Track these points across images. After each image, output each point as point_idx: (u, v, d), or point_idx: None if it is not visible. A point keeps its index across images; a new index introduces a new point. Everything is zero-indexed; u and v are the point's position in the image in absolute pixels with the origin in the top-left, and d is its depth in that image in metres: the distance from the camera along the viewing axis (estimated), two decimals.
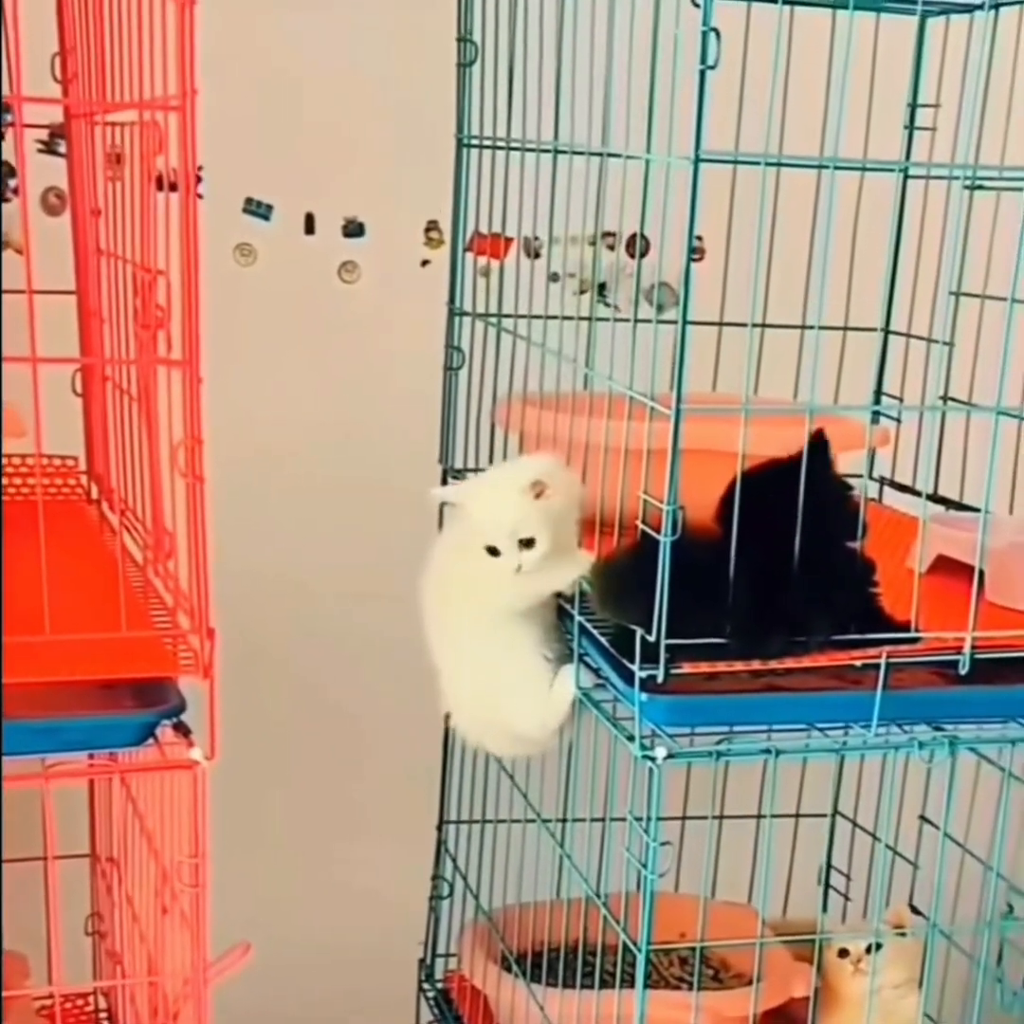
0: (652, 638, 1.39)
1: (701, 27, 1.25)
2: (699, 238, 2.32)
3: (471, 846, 2.11)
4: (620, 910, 1.60)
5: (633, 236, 2.28)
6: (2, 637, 1.30)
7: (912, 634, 1.45)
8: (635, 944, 1.51)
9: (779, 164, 1.63)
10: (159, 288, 1.40)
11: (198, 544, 1.39)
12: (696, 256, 2.31)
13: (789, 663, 1.45)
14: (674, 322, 1.38)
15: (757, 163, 1.36)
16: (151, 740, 1.43)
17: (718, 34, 1.25)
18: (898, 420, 1.96)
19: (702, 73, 1.26)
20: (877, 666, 1.45)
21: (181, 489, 1.41)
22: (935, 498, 1.98)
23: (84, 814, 2.12)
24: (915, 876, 2.03)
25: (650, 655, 1.41)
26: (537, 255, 2.01)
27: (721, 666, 1.43)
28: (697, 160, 1.29)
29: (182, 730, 1.43)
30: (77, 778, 1.46)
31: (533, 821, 1.91)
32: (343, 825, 2.50)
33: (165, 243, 1.42)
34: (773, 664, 1.44)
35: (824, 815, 2.26)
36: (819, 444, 1.45)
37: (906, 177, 2.00)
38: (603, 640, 1.52)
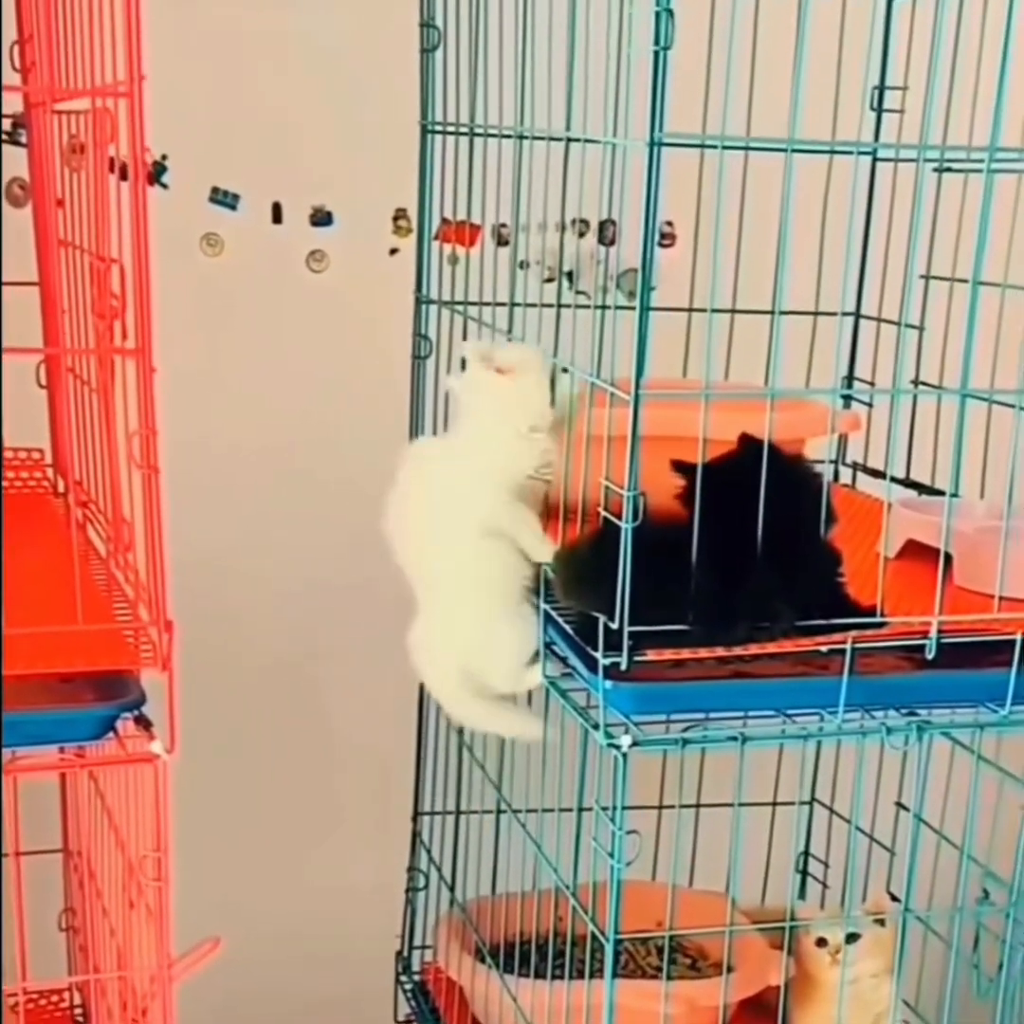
0: (615, 625, 1.38)
1: (655, 7, 1.24)
2: (670, 224, 2.32)
3: (446, 838, 2.11)
4: (595, 899, 1.59)
5: (603, 223, 2.27)
6: None
7: (877, 619, 1.44)
8: (603, 933, 1.50)
9: (745, 147, 1.63)
10: (113, 277, 1.38)
11: (154, 536, 1.37)
12: (666, 242, 2.33)
13: (754, 649, 1.44)
14: (644, 309, 1.36)
15: (715, 146, 1.35)
16: (111, 734, 1.42)
17: (672, 14, 1.24)
18: (869, 404, 1.96)
19: (657, 54, 1.24)
20: (843, 651, 1.45)
21: (139, 480, 1.40)
22: (907, 483, 1.98)
23: (56, 809, 2.12)
24: (892, 862, 2.03)
25: (614, 642, 1.40)
26: (505, 242, 2.00)
27: (685, 653, 1.42)
28: (653, 144, 1.27)
29: (143, 723, 1.42)
30: (37, 772, 1.44)
31: (505, 812, 1.90)
32: (318, 817, 2.50)
33: (124, 232, 1.40)
34: (737, 650, 1.43)
35: (802, 803, 2.25)
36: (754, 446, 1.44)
37: (875, 160, 2.00)
38: (568, 628, 1.51)
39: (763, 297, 1.83)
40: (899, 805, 2.01)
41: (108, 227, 1.43)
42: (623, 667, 1.40)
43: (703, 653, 1.43)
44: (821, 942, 1.86)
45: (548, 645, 1.58)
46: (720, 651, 1.43)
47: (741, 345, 1.94)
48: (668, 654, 1.41)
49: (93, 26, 1.40)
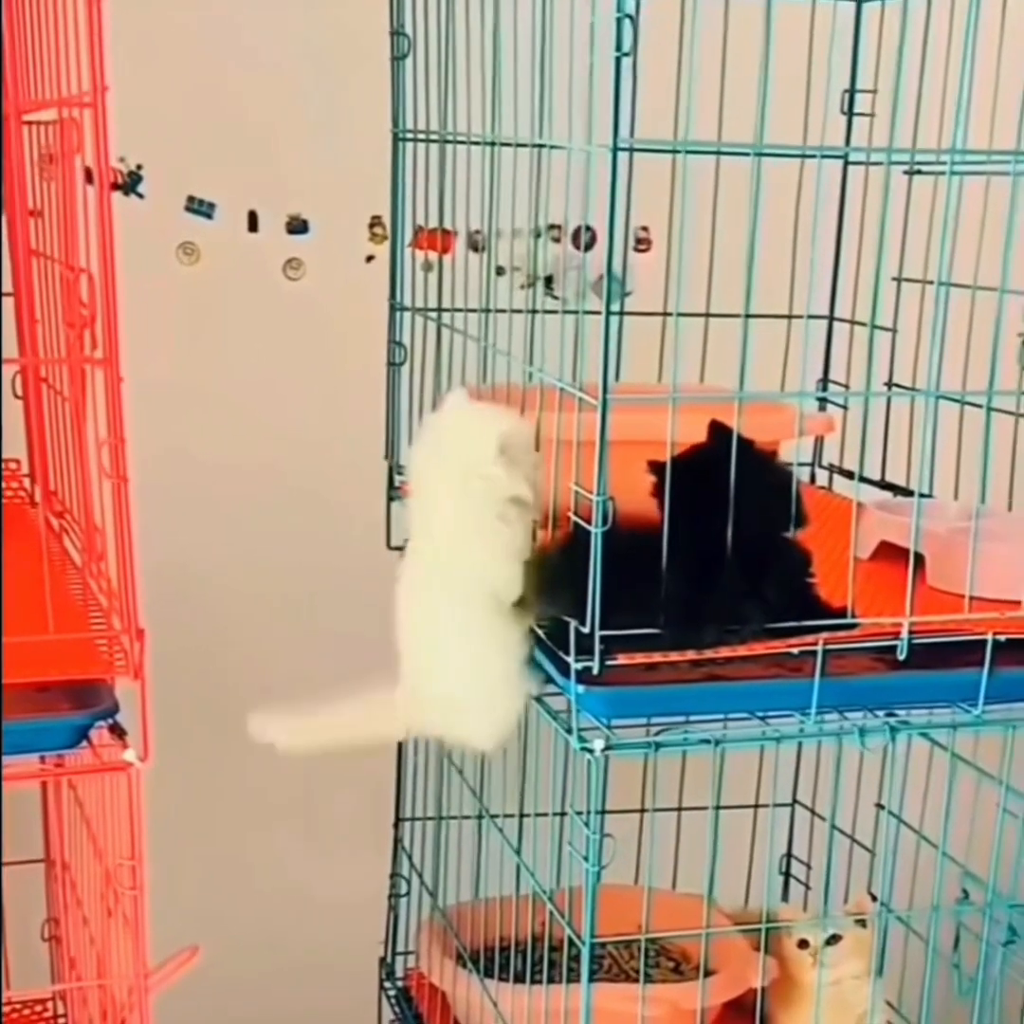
0: (586, 630, 1.39)
1: (617, 13, 1.25)
2: (645, 229, 2.32)
3: (427, 844, 2.11)
4: (577, 904, 1.60)
5: (577, 228, 2.27)
6: None
7: (847, 620, 1.45)
8: (579, 937, 1.51)
9: (714, 152, 1.64)
10: (83, 286, 1.39)
11: (125, 545, 1.38)
12: (642, 247, 2.34)
13: (726, 652, 1.44)
14: (609, 313, 1.37)
15: (679, 151, 1.35)
16: (85, 743, 1.42)
17: (634, 20, 1.24)
18: (844, 407, 1.96)
19: (618, 60, 1.25)
20: (815, 653, 1.45)
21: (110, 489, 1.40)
22: (882, 484, 1.98)
23: (38, 819, 2.12)
24: (873, 863, 2.03)
25: (585, 647, 1.40)
26: (480, 248, 2.01)
27: (657, 656, 1.43)
28: (615, 149, 1.28)
29: (117, 732, 1.43)
30: (11, 782, 1.44)
31: (485, 817, 1.91)
32: (298, 825, 2.51)
33: (92, 241, 1.41)
34: (709, 653, 1.44)
35: (783, 805, 2.26)
36: (725, 434, 1.44)
37: (847, 163, 2.01)
38: (540, 633, 1.51)
39: (738, 301, 1.84)
40: (879, 806, 2.02)
41: (77, 237, 1.43)
42: (595, 671, 1.40)
43: (674, 656, 1.43)
44: (803, 944, 1.86)
45: None
46: (691, 654, 1.44)
47: (716, 349, 1.95)
48: (640, 658, 1.42)
49: (59, 37, 1.40)
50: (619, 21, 1.25)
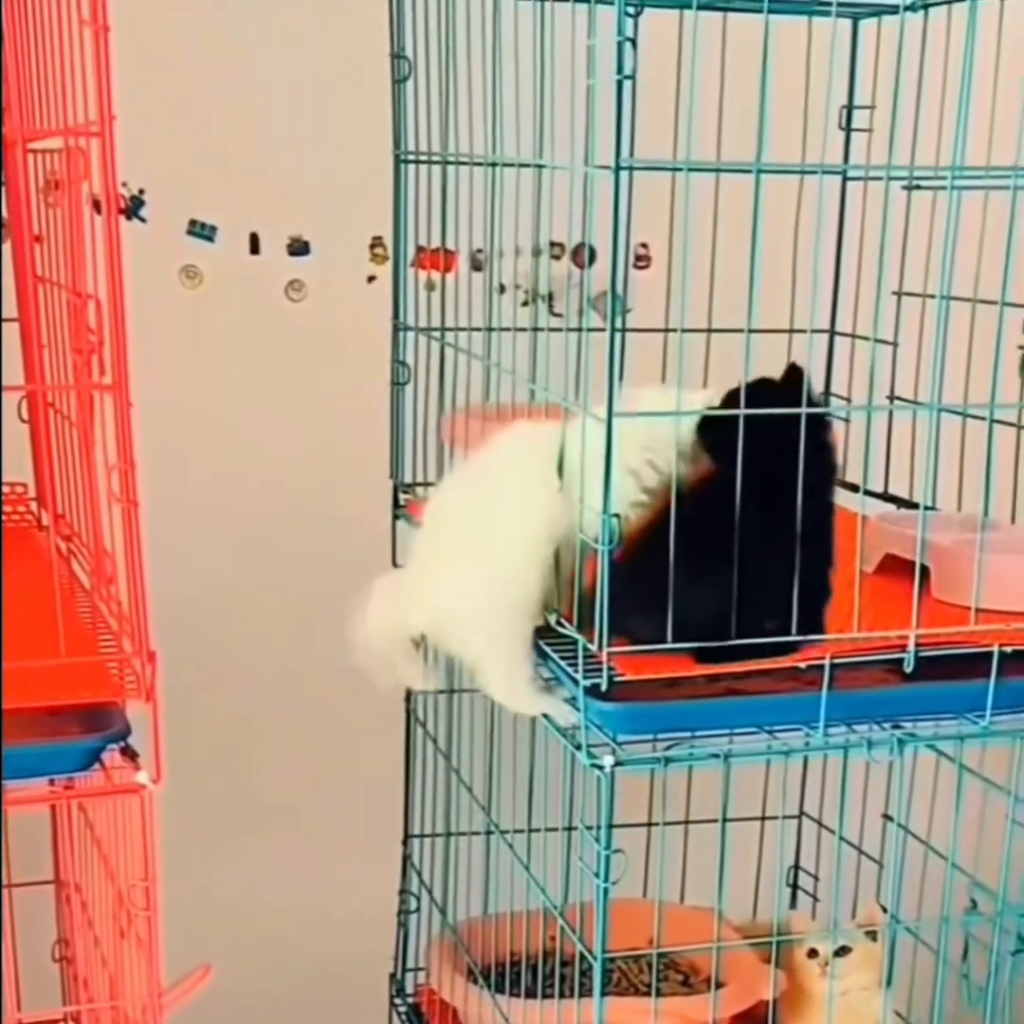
0: (594, 647, 1.39)
1: (617, 37, 1.26)
2: (644, 246, 2.33)
3: (436, 860, 2.11)
4: (588, 919, 1.60)
5: (578, 246, 2.28)
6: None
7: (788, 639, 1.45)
8: (590, 952, 1.51)
9: (714, 169, 1.66)
10: (90, 312, 1.39)
11: (135, 568, 1.38)
12: (642, 264, 2.35)
13: (737, 667, 1.45)
14: (614, 330, 1.38)
15: (681, 169, 1.36)
16: (97, 765, 1.42)
17: (634, 44, 1.26)
18: (847, 420, 1.97)
19: (619, 83, 1.26)
20: (823, 667, 1.46)
21: (120, 513, 1.41)
22: (885, 497, 1.99)
23: (48, 840, 2.13)
24: (880, 874, 2.04)
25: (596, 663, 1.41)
26: (479, 268, 2.02)
27: (666, 672, 1.43)
28: (617, 169, 1.29)
29: (129, 754, 1.43)
30: (24, 805, 1.45)
31: (494, 833, 1.91)
32: (308, 842, 2.51)
33: (100, 267, 1.42)
34: (715, 669, 1.44)
35: (791, 817, 2.26)
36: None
37: (845, 179, 2.02)
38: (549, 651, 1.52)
39: (739, 316, 1.85)
40: (886, 817, 2.02)
41: (84, 263, 1.44)
42: (604, 688, 1.41)
43: (681, 671, 1.44)
44: (812, 953, 1.87)
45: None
46: (698, 669, 1.44)
47: (717, 364, 1.95)
48: (649, 673, 1.43)
49: (64, 65, 1.41)
50: (620, 45, 1.26)
